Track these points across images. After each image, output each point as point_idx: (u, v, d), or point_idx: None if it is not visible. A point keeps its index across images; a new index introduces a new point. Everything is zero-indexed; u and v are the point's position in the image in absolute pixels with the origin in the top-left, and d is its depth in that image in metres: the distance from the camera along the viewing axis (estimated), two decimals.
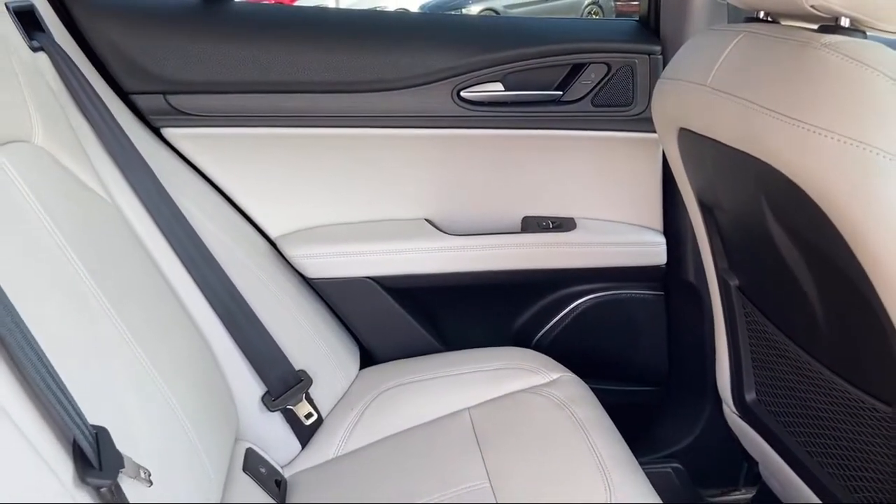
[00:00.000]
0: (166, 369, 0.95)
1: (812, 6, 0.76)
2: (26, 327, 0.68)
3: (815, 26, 0.81)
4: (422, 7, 12.92)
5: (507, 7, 11.97)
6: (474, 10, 12.09)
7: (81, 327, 0.81)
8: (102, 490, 0.68)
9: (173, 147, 1.30)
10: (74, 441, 0.68)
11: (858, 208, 0.73)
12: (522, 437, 1.15)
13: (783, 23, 0.89)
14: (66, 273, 0.84)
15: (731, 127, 0.89)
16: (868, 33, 0.80)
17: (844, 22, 0.78)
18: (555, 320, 1.52)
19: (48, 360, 0.68)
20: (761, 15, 0.93)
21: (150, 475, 0.75)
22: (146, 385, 0.89)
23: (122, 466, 0.71)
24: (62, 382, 0.69)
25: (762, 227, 0.97)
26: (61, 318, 0.78)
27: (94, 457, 0.69)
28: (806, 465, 1.09)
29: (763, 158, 0.81)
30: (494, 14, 11.91)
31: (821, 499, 1.07)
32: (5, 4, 0.99)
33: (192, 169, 1.31)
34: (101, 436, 0.71)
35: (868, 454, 0.95)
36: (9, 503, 0.60)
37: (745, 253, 1.14)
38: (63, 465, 0.67)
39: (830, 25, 0.79)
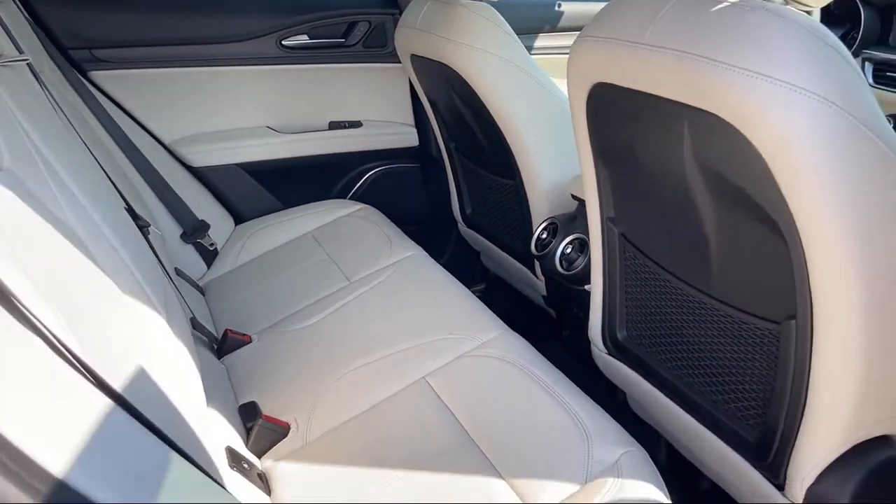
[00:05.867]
0: (136, 208, 1.54)
1: None
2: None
3: None
4: None
5: None
6: None
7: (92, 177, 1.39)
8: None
9: (98, 86, 1.82)
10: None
11: (784, 142, 0.77)
12: (344, 236, 1.85)
13: None
14: (80, 150, 1.40)
15: (667, 77, 0.89)
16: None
17: None
18: (357, 186, 2.21)
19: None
20: None
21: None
22: (125, 222, 1.46)
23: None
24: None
25: (679, 174, 0.98)
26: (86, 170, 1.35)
27: None
28: (676, 386, 1.16)
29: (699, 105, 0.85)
30: None
31: (689, 413, 1.14)
32: None
33: (109, 100, 1.84)
34: None
35: (746, 368, 1.03)
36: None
37: (645, 203, 1.12)
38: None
39: None
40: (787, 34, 0.79)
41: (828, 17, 2.02)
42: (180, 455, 0.60)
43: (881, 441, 0.96)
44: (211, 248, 1.86)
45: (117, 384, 0.59)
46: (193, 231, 1.84)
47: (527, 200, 1.65)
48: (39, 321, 0.54)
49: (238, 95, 2.01)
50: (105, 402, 0.54)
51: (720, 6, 0.85)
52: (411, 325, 1.35)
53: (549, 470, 0.97)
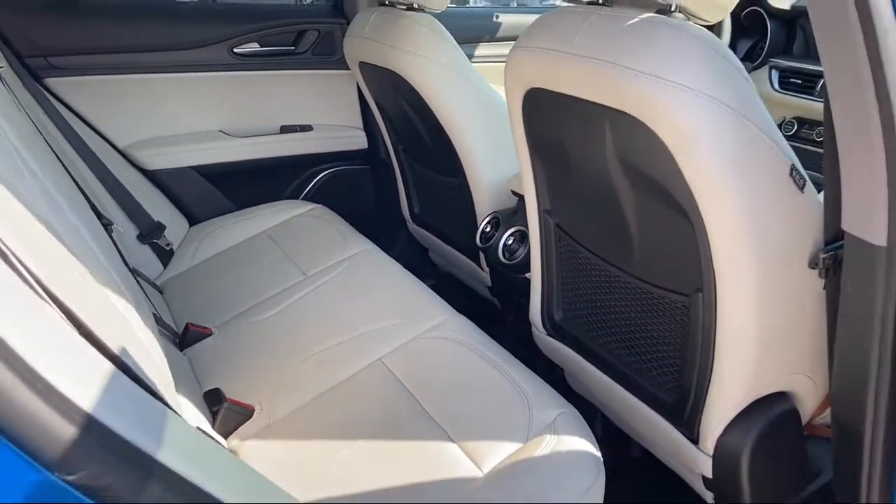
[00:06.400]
0: (100, 207, 1.59)
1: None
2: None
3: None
4: None
5: None
6: None
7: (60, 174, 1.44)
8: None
9: (53, 92, 1.85)
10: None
11: (687, 137, 0.89)
12: (299, 234, 1.92)
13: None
14: (47, 151, 1.45)
15: (590, 83, 1.01)
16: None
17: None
18: (308, 187, 2.28)
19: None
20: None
21: None
22: (92, 219, 1.51)
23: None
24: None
25: (604, 169, 1.10)
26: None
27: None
28: (607, 359, 1.30)
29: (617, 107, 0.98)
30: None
31: (619, 383, 1.26)
32: None
33: (64, 106, 1.88)
34: None
35: (663, 338, 1.16)
36: None
37: (576, 195, 1.25)
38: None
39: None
40: (688, 46, 0.93)
41: (739, 29, 2.21)
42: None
43: (778, 396, 1.11)
44: (167, 249, 1.91)
45: (114, 350, 0.68)
46: (149, 232, 1.88)
47: (471, 197, 1.76)
48: (49, 292, 0.62)
49: (191, 101, 2.06)
50: (108, 364, 0.62)
51: (632, 21, 0.99)
52: (367, 313, 1.45)
53: (494, 432, 1.08)
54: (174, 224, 2.01)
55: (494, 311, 1.99)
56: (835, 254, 0.96)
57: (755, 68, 2.15)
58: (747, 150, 0.92)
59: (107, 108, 1.95)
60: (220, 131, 2.12)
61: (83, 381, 0.53)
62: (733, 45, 2.22)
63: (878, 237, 0.84)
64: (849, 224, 0.89)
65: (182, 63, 2.01)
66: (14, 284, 0.57)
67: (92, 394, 0.52)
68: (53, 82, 1.86)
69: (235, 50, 2.07)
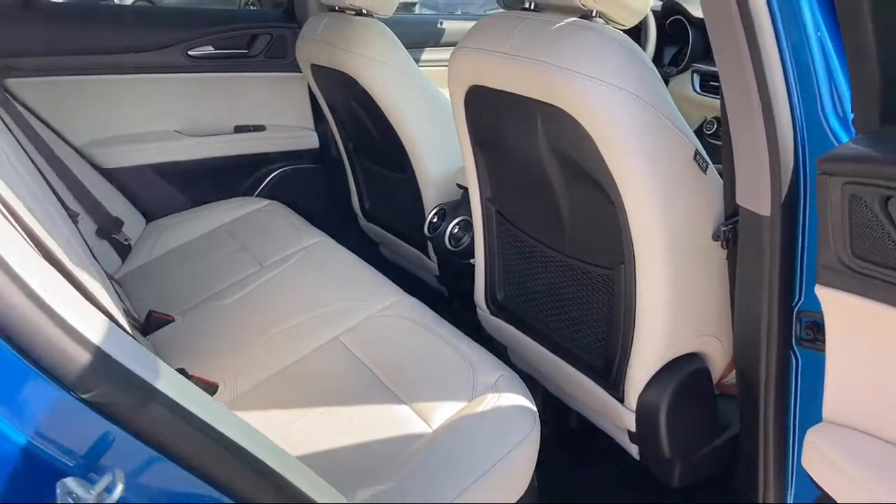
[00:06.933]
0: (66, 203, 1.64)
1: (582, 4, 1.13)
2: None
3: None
4: None
5: None
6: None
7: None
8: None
9: (11, 92, 1.89)
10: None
11: (607, 126, 1.03)
12: (255, 228, 2.00)
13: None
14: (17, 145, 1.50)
15: (524, 80, 1.14)
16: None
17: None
18: (263, 184, 2.35)
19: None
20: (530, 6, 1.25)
21: None
22: (61, 210, 1.57)
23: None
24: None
25: (537, 158, 1.22)
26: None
27: None
28: (544, 332, 1.41)
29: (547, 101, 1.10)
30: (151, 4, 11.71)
31: (555, 353, 1.38)
32: None
33: (21, 106, 1.91)
34: None
35: (592, 308, 1.29)
36: None
37: (514, 183, 1.37)
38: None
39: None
40: (606, 47, 1.08)
41: (664, 36, 2.39)
42: None
43: (690, 357, 1.25)
44: (125, 244, 1.96)
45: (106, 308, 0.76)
46: (108, 227, 1.93)
47: (419, 191, 1.88)
48: (52, 257, 0.70)
49: (148, 102, 2.12)
50: (104, 316, 0.72)
51: (558, 25, 1.13)
52: (322, 296, 1.55)
53: (442, 394, 1.20)
54: (131, 221, 2.06)
55: (442, 298, 2.11)
56: (733, 227, 1.11)
57: (679, 72, 2.34)
58: (657, 136, 1.07)
59: (65, 108, 1.99)
60: (176, 131, 2.18)
61: (89, 322, 0.62)
62: (659, 52, 2.40)
63: (764, 208, 0.99)
64: (741, 198, 1.04)
65: (139, 65, 2.07)
66: (24, 245, 0.66)
67: (98, 332, 0.62)
68: (12, 83, 1.89)
69: (190, 53, 2.13)
